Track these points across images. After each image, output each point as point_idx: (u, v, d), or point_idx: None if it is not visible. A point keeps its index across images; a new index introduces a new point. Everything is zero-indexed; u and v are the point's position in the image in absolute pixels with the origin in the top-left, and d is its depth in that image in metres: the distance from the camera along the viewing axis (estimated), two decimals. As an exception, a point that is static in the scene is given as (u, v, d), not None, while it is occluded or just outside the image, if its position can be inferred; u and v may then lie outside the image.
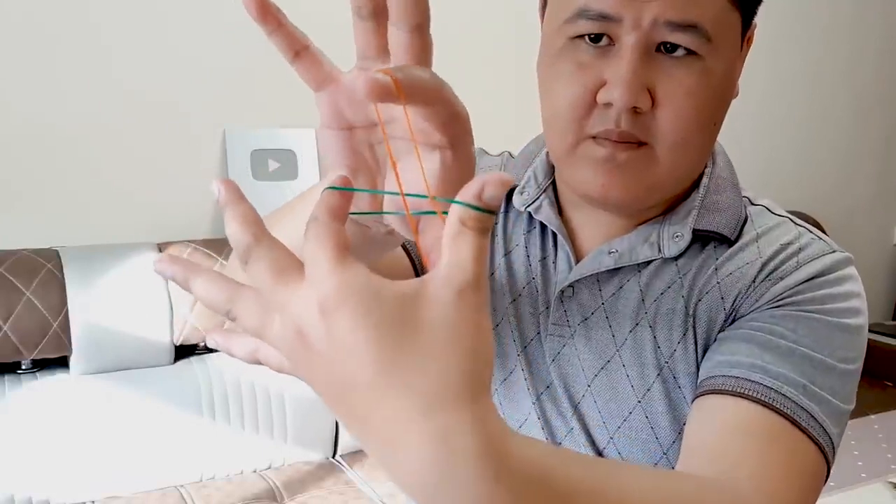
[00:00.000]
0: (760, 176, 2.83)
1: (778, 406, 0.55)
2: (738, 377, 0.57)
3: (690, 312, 0.64)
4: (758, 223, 0.67)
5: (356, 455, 1.92)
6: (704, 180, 0.68)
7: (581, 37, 0.59)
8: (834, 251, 0.64)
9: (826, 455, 0.56)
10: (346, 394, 0.31)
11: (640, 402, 0.65)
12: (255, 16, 0.36)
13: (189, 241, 1.83)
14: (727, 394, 0.56)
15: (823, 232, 0.70)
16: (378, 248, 0.46)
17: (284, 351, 0.33)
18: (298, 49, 0.38)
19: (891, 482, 2.07)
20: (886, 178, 3.36)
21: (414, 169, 0.38)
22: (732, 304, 0.63)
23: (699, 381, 0.61)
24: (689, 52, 0.57)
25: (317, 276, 0.30)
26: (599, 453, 0.67)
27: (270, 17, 0.37)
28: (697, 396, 0.59)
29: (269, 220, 0.41)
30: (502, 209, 0.74)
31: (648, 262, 0.66)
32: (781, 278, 0.62)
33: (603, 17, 0.57)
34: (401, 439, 0.30)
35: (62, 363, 1.72)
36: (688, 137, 0.60)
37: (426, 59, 0.37)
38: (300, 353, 0.32)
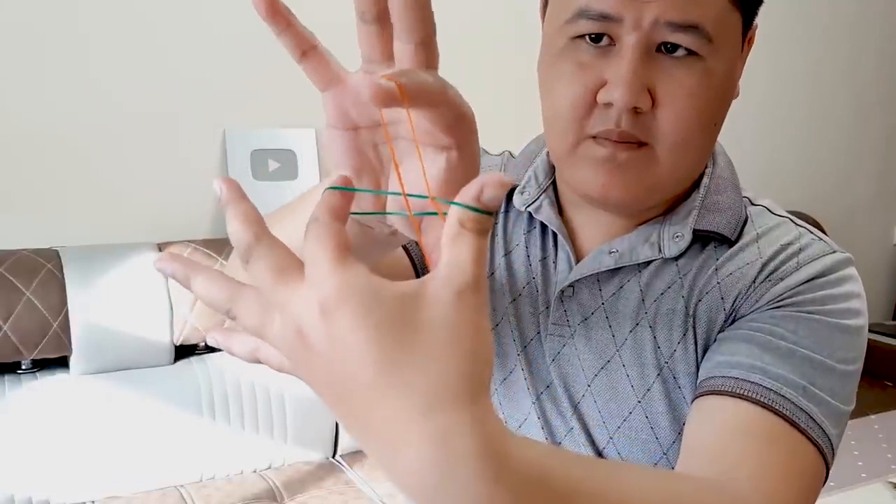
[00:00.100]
0: (761, 176, 2.83)
1: (777, 407, 0.55)
2: (737, 378, 0.57)
3: (690, 313, 0.64)
4: (758, 223, 0.66)
5: (356, 455, 1.92)
6: (705, 180, 0.68)
7: (582, 37, 0.59)
8: (834, 252, 0.64)
9: (825, 456, 0.56)
10: (345, 394, 0.31)
11: (640, 402, 0.65)
12: (264, 15, 0.36)
13: (189, 241, 1.83)
14: (727, 395, 0.56)
15: (823, 232, 0.70)
16: (380, 248, 0.46)
17: (284, 351, 0.33)
18: (306, 49, 0.38)
19: (891, 482, 2.07)
20: (887, 178, 3.36)
21: (418, 169, 0.38)
22: (732, 305, 0.63)
23: (699, 381, 0.61)
24: (690, 53, 0.57)
25: (317, 276, 0.30)
26: (599, 453, 0.67)
27: (280, 17, 0.37)
28: (697, 397, 0.59)
29: (269, 219, 0.41)
30: (503, 209, 0.75)
31: (649, 262, 0.66)
32: (782, 279, 0.62)
33: (603, 18, 0.57)
34: (400, 440, 0.30)
35: (62, 363, 1.72)
36: (688, 138, 0.60)
37: (432, 67, 0.37)
38: (300, 353, 0.32)
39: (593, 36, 0.58)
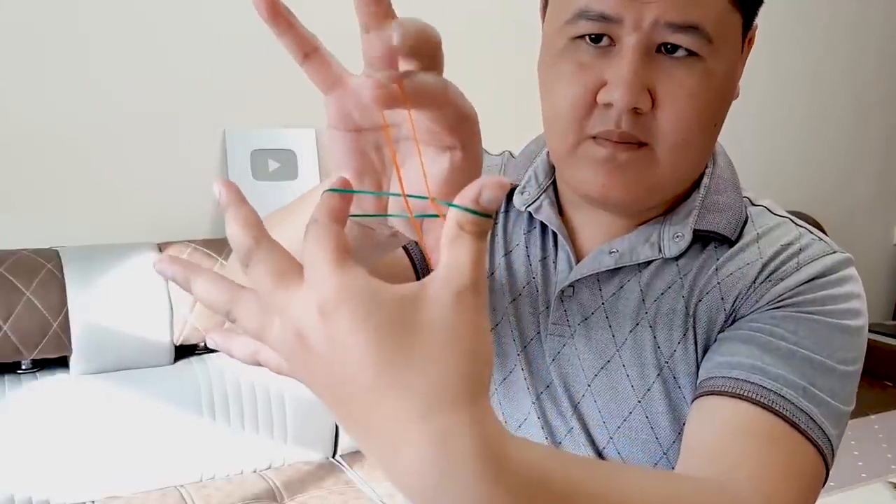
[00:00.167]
0: (761, 176, 2.83)
1: (777, 408, 0.55)
2: (737, 378, 0.57)
3: (691, 313, 0.64)
4: (758, 223, 0.66)
5: (356, 455, 1.92)
6: (705, 180, 0.68)
7: (582, 37, 0.59)
8: (834, 252, 0.64)
9: (825, 457, 0.56)
10: (345, 396, 0.31)
11: (640, 402, 0.65)
12: (265, 17, 0.36)
13: (189, 241, 1.83)
14: (727, 395, 0.56)
15: (824, 232, 0.70)
16: (381, 249, 0.46)
17: (284, 353, 0.33)
18: (308, 51, 0.38)
19: (891, 482, 2.07)
20: (887, 178, 3.36)
21: (419, 171, 0.38)
22: (733, 305, 0.63)
23: (699, 381, 0.61)
24: (690, 53, 0.57)
25: (316, 278, 0.30)
26: (599, 453, 0.67)
27: (281, 19, 0.37)
28: (697, 397, 0.59)
29: (268, 221, 0.41)
30: (503, 209, 0.75)
31: (649, 263, 0.66)
32: (782, 279, 0.62)
33: (603, 18, 0.57)
34: (400, 441, 0.30)
35: (62, 363, 1.72)
36: (688, 138, 0.60)
37: (436, 71, 0.37)
38: (299, 356, 0.32)
39: (593, 36, 0.58)
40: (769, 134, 2.96)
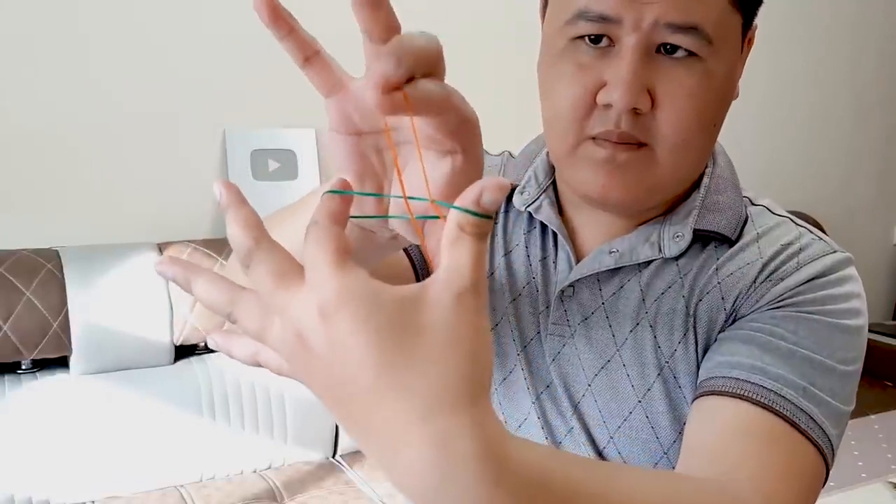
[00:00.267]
0: (761, 176, 2.83)
1: (777, 408, 0.55)
2: (738, 378, 0.57)
3: (691, 312, 0.64)
4: (758, 223, 0.67)
5: (356, 455, 1.92)
6: (705, 180, 0.68)
7: (581, 38, 0.59)
8: (834, 251, 0.64)
9: (825, 456, 0.56)
10: (345, 397, 0.31)
11: (640, 401, 0.65)
12: (266, 21, 0.36)
13: (189, 242, 1.83)
14: (727, 395, 0.56)
15: (824, 232, 0.70)
16: (381, 252, 0.46)
17: (284, 354, 0.33)
18: (309, 55, 0.38)
19: (891, 482, 2.07)
20: (887, 179, 3.36)
21: (421, 174, 0.38)
22: (733, 305, 0.63)
23: (699, 381, 0.61)
24: (690, 54, 0.57)
25: (317, 279, 0.30)
26: (599, 453, 0.67)
27: (282, 22, 0.36)
28: (697, 397, 0.59)
29: (268, 222, 0.41)
30: (502, 209, 0.75)
31: (649, 262, 0.66)
32: (782, 279, 0.62)
33: (603, 19, 0.57)
34: (400, 442, 0.30)
35: (62, 363, 1.72)
36: (688, 139, 0.60)
37: (437, 77, 0.37)
38: (300, 357, 0.32)
39: (593, 37, 0.58)
40: (769, 134, 2.96)
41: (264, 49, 1.51)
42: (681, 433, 0.64)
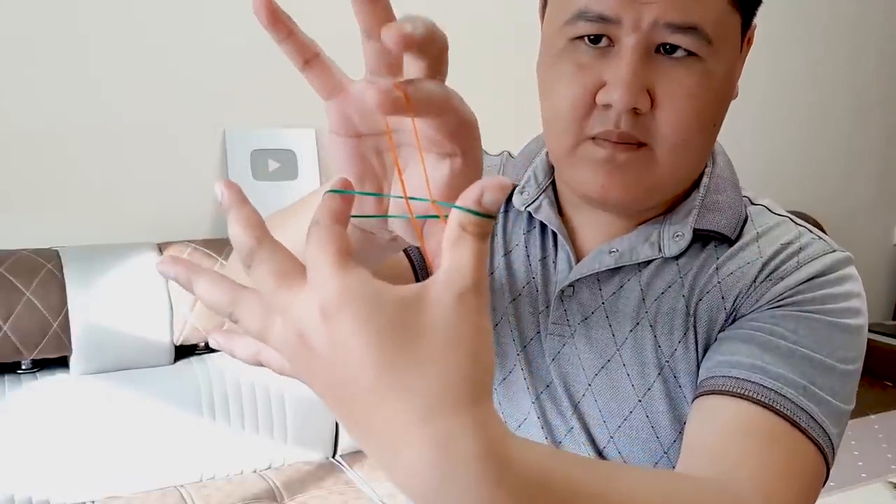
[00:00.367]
0: (761, 176, 2.83)
1: (778, 407, 0.55)
2: (738, 378, 0.57)
3: (691, 312, 0.64)
4: (758, 223, 0.67)
5: (356, 455, 1.92)
6: (705, 180, 0.68)
7: (581, 38, 0.59)
8: (834, 251, 0.64)
9: (826, 456, 0.56)
10: (346, 397, 0.31)
11: (640, 401, 0.65)
12: (265, 23, 0.36)
13: (189, 242, 1.83)
14: (727, 394, 0.56)
15: (823, 232, 0.70)
16: (381, 253, 0.46)
17: (286, 354, 0.33)
18: (308, 57, 0.38)
19: (891, 482, 2.07)
20: (887, 179, 3.36)
21: (421, 175, 0.38)
22: (733, 304, 0.63)
23: (699, 380, 0.61)
24: (690, 54, 0.57)
25: (318, 279, 0.31)
26: (599, 452, 0.67)
27: (281, 25, 0.36)
28: (697, 396, 0.59)
29: (269, 222, 0.42)
30: (502, 209, 0.75)
31: (649, 262, 0.66)
32: (782, 278, 0.62)
33: (602, 19, 0.57)
34: (401, 442, 0.30)
35: (62, 363, 1.72)
36: (688, 139, 0.60)
37: (438, 78, 0.37)
38: (301, 356, 0.32)
39: (592, 37, 0.58)
40: (769, 134, 2.96)
41: (264, 49, 1.51)
42: (681, 433, 0.64)
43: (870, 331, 2.83)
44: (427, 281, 0.31)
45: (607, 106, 0.58)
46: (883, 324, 3.27)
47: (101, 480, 1.65)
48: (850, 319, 0.61)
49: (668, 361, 0.64)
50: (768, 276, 0.62)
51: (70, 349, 1.66)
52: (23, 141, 1.79)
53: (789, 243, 0.64)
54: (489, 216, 0.31)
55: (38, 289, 1.62)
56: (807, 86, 3.01)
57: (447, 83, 0.36)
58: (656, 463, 0.66)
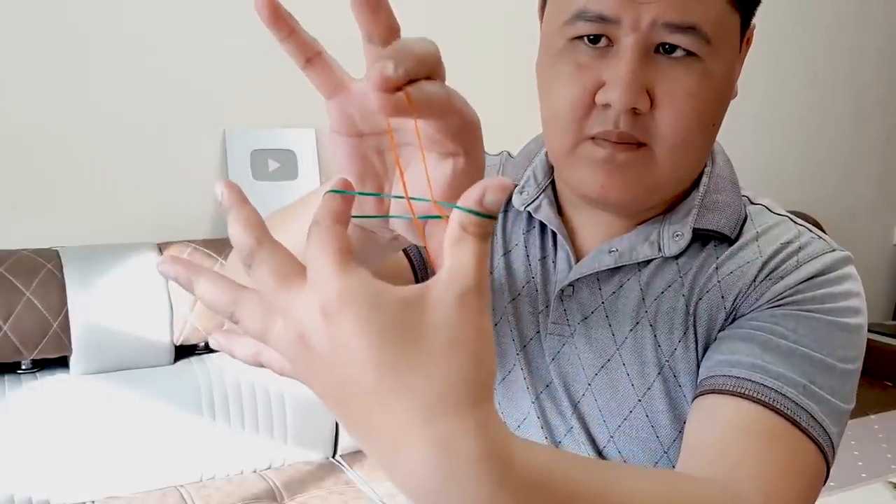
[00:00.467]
0: (761, 176, 2.83)
1: (778, 406, 0.55)
2: (738, 377, 0.57)
3: (691, 311, 0.64)
4: (757, 222, 0.67)
5: (356, 455, 1.92)
6: (704, 179, 0.68)
7: (580, 38, 0.59)
8: (833, 250, 0.64)
9: (826, 455, 0.56)
10: (347, 398, 0.31)
11: (640, 400, 0.65)
12: (267, 21, 0.36)
13: (189, 242, 1.83)
14: (727, 394, 0.56)
15: (823, 231, 0.70)
16: (381, 253, 0.46)
17: (286, 354, 0.33)
18: (310, 56, 0.38)
19: (891, 482, 2.07)
20: (887, 179, 3.36)
21: (422, 175, 0.38)
22: (733, 304, 0.63)
23: (699, 380, 0.61)
24: (689, 54, 0.57)
25: (319, 280, 0.30)
26: (599, 452, 0.67)
27: (283, 23, 0.36)
28: (697, 396, 0.59)
29: (269, 222, 0.42)
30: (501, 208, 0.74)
31: (649, 261, 0.66)
32: (782, 277, 0.62)
33: (601, 19, 0.57)
34: (402, 443, 0.30)
35: (62, 363, 1.72)
36: (687, 139, 0.60)
37: (438, 79, 0.37)
38: (302, 357, 0.32)
39: (591, 37, 0.58)
40: (769, 134, 2.96)
41: (264, 49, 1.51)
42: (681, 432, 0.64)
43: (870, 331, 2.84)
44: (428, 281, 0.31)
45: (606, 106, 0.58)
46: (883, 324, 3.27)
47: (101, 480, 1.65)
48: (850, 318, 0.61)
49: (667, 361, 0.64)
50: (768, 275, 0.62)
51: (70, 349, 1.66)
52: (23, 141, 1.79)
53: (789, 242, 0.64)
54: (490, 217, 0.31)
55: (38, 289, 1.62)
56: (807, 86, 3.01)
57: (447, 83, 0.36)
58: (656, 462, 0.66)
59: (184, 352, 1.82)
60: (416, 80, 0.33)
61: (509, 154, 0.79)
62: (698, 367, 0.63)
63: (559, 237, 0.69)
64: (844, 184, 3.22)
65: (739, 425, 0.55)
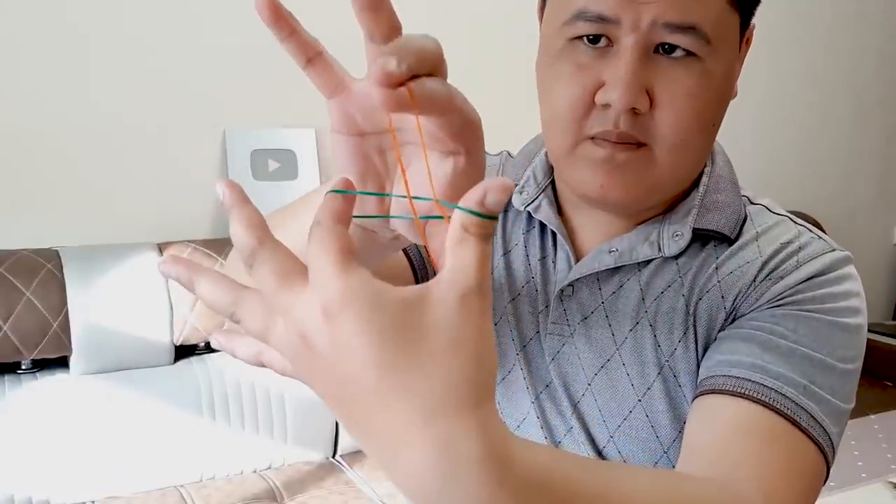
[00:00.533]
0: (761, 176, 2.83)
1: (778, 406, 0.55)
2: (738, 377, 0.57)
3: (691, 311, 0.64)
4: (757, 222, 0.67)
5: (356, 455, 1.92)
6: (704, 179, 0.68)
7: (580, 38, 0.59)
8: (833, 250, 0.64)
9: (826, 455, 0.56)
10: (347, 398, 0.31)
11: (640, 400, 0.65)
12: (267, 21, 0.36)
13: (189, 241, 1.83)
14: (727, 394, 0.56)
15: (823, 231, 0.70)
16: (382, 252, 0.46)
17: (287, 354, 0.33)
18: (311, 56, 0.38)
19: (891, 482, 2.07)
20: (887, 179, 3.36)
21: (423, 174, 0.38)
22: (733, 304, 0.63)
23: (699, 380, 0.61)
24: (689, 54, 0.57)
25: (320, 280, 0.30)
26: (599, 452, 0.67)
27: (283, 23, 0.36)
28: (697, 396, 0.59)
29: (269, 220, 0.42)
30: (501, 208, 0.74)
31: (648, 261, 0.66)
32: (781, 277, 0.62)
33: (601, 19, 0.57)
34: (402, 443, 0.30)
35: (62, 363, 1.72)
36: (687, 139, 0.60)
37: (441, 77, 0.37)
38: (303, 357, 0.32)
39: (591, 37, 0.58)
40: (769, 134, 2.96)
41: (264, 49, 1.51)
42: (681, 432, 0.64)
43: (870, 331, 2.84)
44: (430, 282, 0.31)
45: (606, 106, 0.58)
46: (883, 324, 3.27)
47: (101, 480, 1.65)
48: (850, 318, 0.61)
49: (667, 361, 0.64)
50: (768, 275, 0.62)
51: (70, 349, 1.66)
52: (23, 141, 1.79)
53: (789, 242, 0.64)
54: (492, 217, 0.31)
55: (38, 289, 1.62)
56: (807, 86, 3.01)
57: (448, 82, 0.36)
58: (656, 462, 0.66)
59: (184, 352, 1.82)
60: (419, 76, 0.33)
61: (509, 154, 0.79)
62: (698, 367, 0.63)
63: (559, 237, 0.69)
64: (844, 184, 3.22)
65: (739, 425, 0.55)
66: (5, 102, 1.76)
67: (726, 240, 0.65)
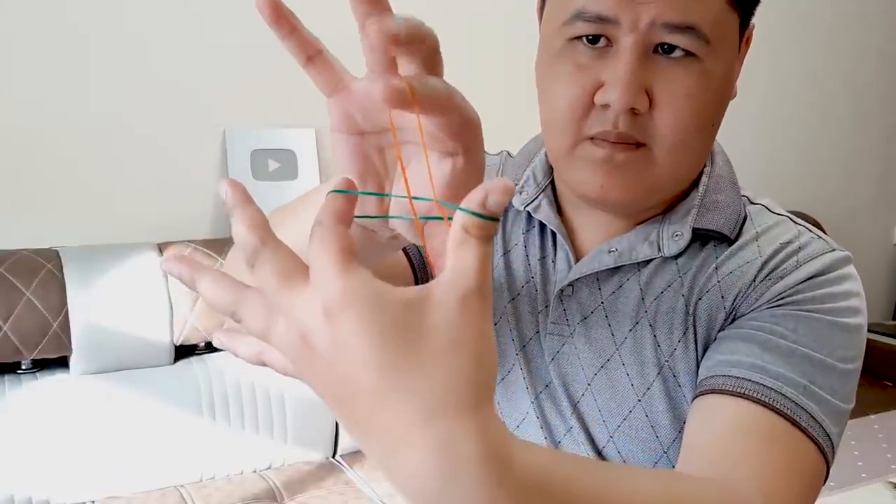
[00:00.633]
0: (761, 176, 2.83)
1: (778, 406, 0.55)
2: (738, 377, 0.57)
3: (691, 311, 0.64)
4: (757, 222, 0.67)
5: (356, 455, 1.92)
6: (704, 179, 0.68)
7: (579, 38, 0.59)
8: (833, 250, 0.64)
9: (826, 455, 0.56)
10: (348, 398, 0.31)
11: (640, 400, 0.65)
12: (268, 19, 0.36)
13: (189, 241, 1.83)
14: (727, 394, 0.57)
15: (823, 231, 0.70)
16: (381, 252, 0.46)
17: (288, 354, 0.33)
18: (311, 54, 0.38)
19: (891, 482, 2.07)
20: (887, 179, 3.36)
21: (423, 174, 0.38)
22: (732, 304, 0.63)
23: (699, 380, 0.61)
24: (688, 54, 0.57)
25: (321, 280, 0.31)
26: (599, 452, 0.67)
27: (284, 21, 0.37)
28: (697, 396, 0.59)
29: (270, 219, 0.42)
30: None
31: (648, 261, 0.66)
32: (781, 277, 0.62)
33: (600, 19, 0.57)
34: (402, 444, 0.30)
35: (62, 363, 1.72)
36: (686, 139, 0.60)
37: (437, 76, 0.37)
38: (304, 357, 0.32)
39: (590, 37, 0.58)
40: (769, 134, 2.96)
41: (264, 49, 1.51)
42: (681, 432, 0.64)
43: (870, 331, 2.84)
44: (430, 283, 0.31)
45: (605, 106, 0.58)
46: (883, 324, 3.27)
47: (101, 480, 1.66)
48: (850, 318, 0.61)
49: (667, 361, 0.64)
50: (768, 275, 0.62)
51: (70, 349, 1.66)
52: (23, 141, 1.79)
53: (788, 242, 0.64)
54: (493, 219, 0.31)
55: (38, 289, 1.62)
56: (807, 86, 3.01)
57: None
58: (656, 462, 0.66)
59: (184, 352, 1.82)
60: (419, 74, 0.33)
61: (509, 154, 0.79)
62: (698, 367, 0.63)
63: (559, 237, 0.69)
64: (844, 184, 3.22)
65: (739, 425, 0.55)
66: (5, 102, 1.76)
67: (726, 240, 0.65)
